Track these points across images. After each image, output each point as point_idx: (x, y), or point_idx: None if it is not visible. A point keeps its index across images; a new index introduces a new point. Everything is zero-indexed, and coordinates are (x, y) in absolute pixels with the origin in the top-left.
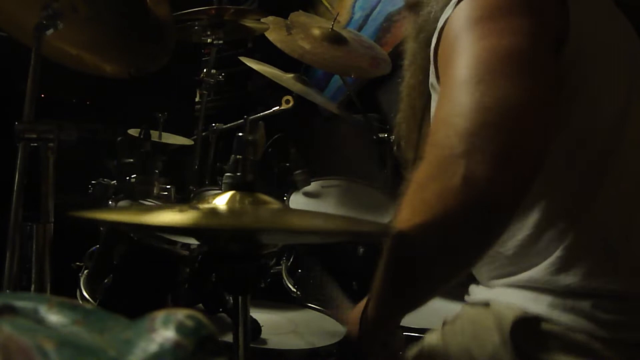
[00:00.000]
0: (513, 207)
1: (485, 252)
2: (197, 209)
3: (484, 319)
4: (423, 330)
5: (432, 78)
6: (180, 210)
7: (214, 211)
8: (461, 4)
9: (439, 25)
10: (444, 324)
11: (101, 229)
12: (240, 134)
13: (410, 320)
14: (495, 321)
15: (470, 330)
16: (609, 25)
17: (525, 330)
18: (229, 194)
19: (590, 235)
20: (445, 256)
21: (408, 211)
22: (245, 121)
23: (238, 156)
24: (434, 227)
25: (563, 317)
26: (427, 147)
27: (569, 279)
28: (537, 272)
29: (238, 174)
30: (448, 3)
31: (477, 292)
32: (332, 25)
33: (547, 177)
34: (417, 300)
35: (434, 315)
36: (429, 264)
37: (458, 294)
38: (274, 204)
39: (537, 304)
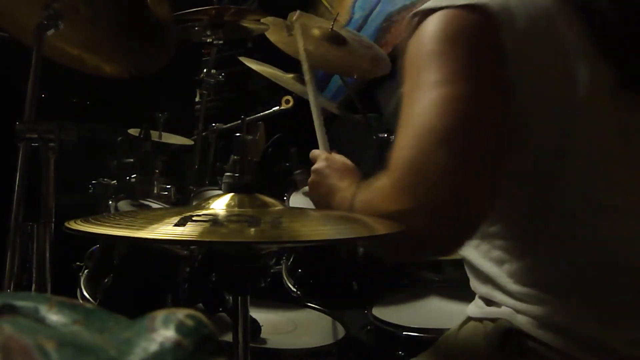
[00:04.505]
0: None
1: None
2: (194, 220)
3: (475, 334)
4: (422, 330)
5: None
6: (177, 224)
7: (211, 226)
8: (426, 24)
9: (404, 38)
10: (434, 346)
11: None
12: (238, 134)
13: (410, 319)
14: (485, 335)
15: (462, 346)
16: (545, 47)
17: (510, 347)
18: (228, 196)
19: (553, 265)
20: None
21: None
22: (242, 121)
23: (235, 157)
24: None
25: (543, 335)
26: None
27: (549, 307)
28: (522, 297)
29: (236, 174)
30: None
31: (474, 309)
32: (332, 25)
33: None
34: None
35: (432, 316)
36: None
37: (457, 294)
38: (275, 205)
39: (523, 322)
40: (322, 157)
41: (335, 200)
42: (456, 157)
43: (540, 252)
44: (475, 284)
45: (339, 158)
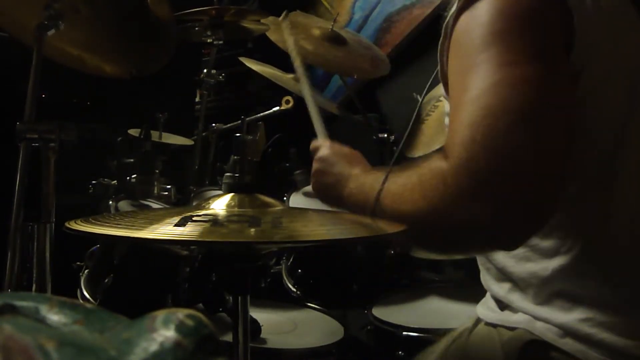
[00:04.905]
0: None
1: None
2: (194, 220)
3: (490, 341)
4: (421, 330)
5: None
6: (177, 225)
7: (211, 227)
8: (478, 5)
9: (447, 21)
10: (443, 349)
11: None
12: (238, 134)
13: (410, 319)
14: (501, 344)
15: (475, 352)
16: (614, 26)
17: (532, 356)
18: (228, 196)
19: (598, 263)
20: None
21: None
22: (242, 122)
23: (235, 157)
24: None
25: (569, 345)
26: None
27: (575, 314)
28: (545, 302)
29: (236, 175)
30: None
31: (486, 313)
32: (332, 25)
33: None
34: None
35: (432, 316)
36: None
37: (457, 294)
38: (275, 205)
39: (544, 330)
40: (325, 145)
41: (348, 189)
42: (534, 138)
43: (575, 254)
44: (489, 282)
45: (343, 146)
